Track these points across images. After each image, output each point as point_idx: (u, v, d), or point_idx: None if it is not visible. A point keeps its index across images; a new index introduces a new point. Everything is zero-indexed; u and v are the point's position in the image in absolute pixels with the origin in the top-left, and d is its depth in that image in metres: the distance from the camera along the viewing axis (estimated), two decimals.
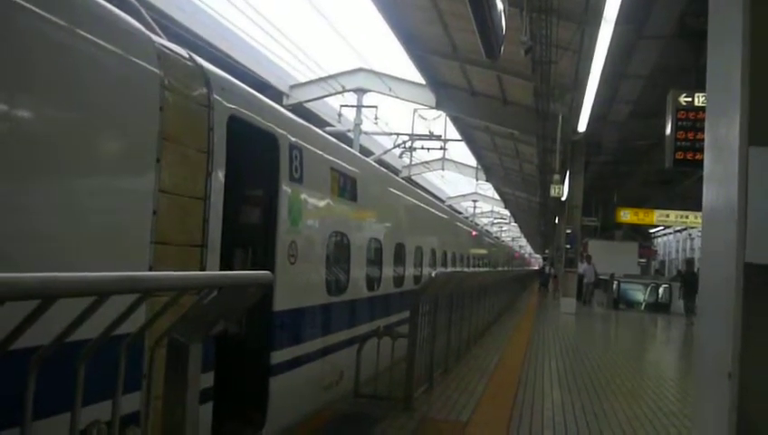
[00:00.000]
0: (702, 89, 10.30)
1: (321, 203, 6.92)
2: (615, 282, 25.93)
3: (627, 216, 30.37)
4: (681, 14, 12.43)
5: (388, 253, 9.79)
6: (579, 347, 13.24)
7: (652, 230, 49.98)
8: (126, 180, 3.74)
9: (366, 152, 21.86)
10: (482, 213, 64.69)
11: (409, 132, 28.25)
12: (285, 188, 5.82)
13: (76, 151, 3.35)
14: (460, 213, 41.83)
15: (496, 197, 52.21)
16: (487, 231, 51.62)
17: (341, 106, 25.07)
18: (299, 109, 21.27)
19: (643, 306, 24.93)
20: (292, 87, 23.05)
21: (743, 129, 2.08)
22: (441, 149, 31.86)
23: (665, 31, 13.25)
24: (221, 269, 4.58)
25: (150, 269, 3.73)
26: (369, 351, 7.04)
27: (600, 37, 11.66)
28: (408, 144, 28.34)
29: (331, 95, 23.95)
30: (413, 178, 34.75)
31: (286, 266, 5.82)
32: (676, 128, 11.18)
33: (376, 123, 25.84)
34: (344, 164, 7.68)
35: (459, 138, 30.10)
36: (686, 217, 29.61)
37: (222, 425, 4.88)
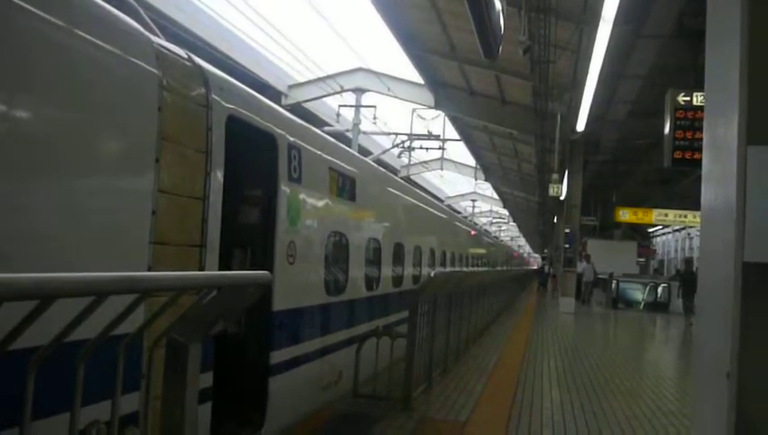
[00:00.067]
0: (700, 88, 10.34)
1: (320, 203, 6.92)
2: (614, 281, 25.94)
3: (625, 215, 30.39)
4: (679, 13, 12.45)
5: (387, 253, 9.79)
6: (578, 346, 13.24)
7: (651, 229, 50.01)
8: (125, 180, 3.74)
9: (365, 152, 21.87)
10: (480, 212, 64.69)
11: (408, 132, 28.26)
12: (284, 188, 5.81)
13: (75, 151, 3.35)
14: (459, 213, 41.84)
15: (495, 196, 52.21)
16: (486, 231, 51.63)
17: (340, 106, 25.08)
18: (297, 109, 21.27)
19: (642, 306, 24.95)
20: (291, 87, 23.03)
21: (741, 128, 2.08)
22: (440, 148, 31.87)
23: (663, 31, 13.26)
24: (220, 269, 4.58)
25: (149, 269, 3.73)
26: (368, 351, 7.04)
27: (598, 37, 11.66)
28: (407, 144, 28.34)
29: (329, 95, 23.94)
30: (412, 177, 34.76)
31: (285, 266, 5.82)
32: (674, 127, 11.18)
33: (374, 123, 25.86)
34: (343, 164, 7.67)
35: (458, 137, 30.10)
36: (685, 216, 29.63)
37: (221, 425, 4.88)
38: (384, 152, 26.10)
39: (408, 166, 34.36)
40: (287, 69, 22.63)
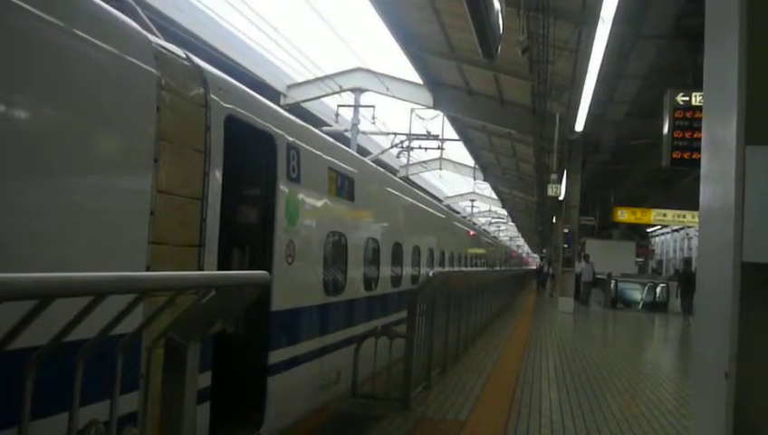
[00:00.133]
0: (699, 88, 10.36)
1: (319, 203, 6.91)
2: (612, 281, 25.96)
3: (624, 215, 30.42)
4: (678, 14, 12.46)
5: (386, 253, 9.79)
6: (576, 346, 13.25)
7: (650, 229, 50.07)
8: (123, 180, 3.74)
9: (363, 152, 21.86)
10: (479, 212, 64.71)
11: (407, 132, 28.25)
12: (283, 188, 5.81)
13: (73, 151, 3.34)
14: (458, 212, 41.83)
15: (494, 196, 52.23)
16: (485, 231, 51.62)
17: (339, 106, 25.06)
18: (296, 109, 21.26)
19: (640, 306, 24.98)
20: (290, 87, 23.03)
21: (739, 128, 2.08)
22: (438, 148, 31.86)
23: (662, 31, 13.27)
24: (218, 269, 4.57)
25: (148, 269, 3.72)
26: (367, 351, 7.04)
27: (597, 37, 11.67)
28: (406, 144, 28.33)
29: (328, 95, 23.93)
30: (411, 177, 34.75)
31: (284, 266, 5.82)
32: (673, 127, 11.20)
33: (373, 123, 25.85)
34: (342, 164, 7.67)
35: (457, 137, 30.11)
36: (684, 216, 29.66)
37: (220, 425, 4.88)
38: (383, 152, 26.09)
39: (407, 166, 34.34)
40: (286, 69, 22.65)
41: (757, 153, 2.05)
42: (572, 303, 21.94)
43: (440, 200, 39.99)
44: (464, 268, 18.48)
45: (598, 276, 26.82)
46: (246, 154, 5.42)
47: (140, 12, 4.57)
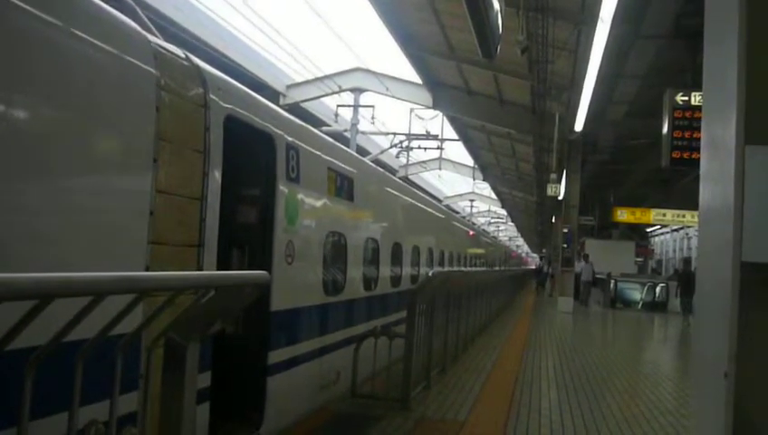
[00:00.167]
0: (698, 88, 10.35)
1: (318, 203, 6.91)
2: (612, 281, 25.97)
3: (624, 215, 30.42)
4: (677, 13, 12.47)
5: (385, 253, 9.79)
6: (576, 346, 13.26)
7: (649, 229, 50.07)
8: (122, 180, 3.73)
9: (363, 152, 21.85)
10: (479, 212, 64.74)
11: (406, 132, 28.26)
12: (282, 188, 5.81)
13: (72, 151, 3.34)
14: (457, 212, 41.84)
15: (493, 196, 52.24)
16: (484, 230, 51.64)
17: (338, 106, 25.07)
18: (296, 109, 21.26)
19: (640, 305, 24.99)
20: (289, 87, 23.03)
21: (739, 128, 2.08)
22: (438, 148, 31.87)
23: (661, 31, 13.28)
24: (218, 269, 4.57)
25: (147, 269, 3.72)
26: (367, 351, 7.04)
27: (596, 37, 11.68)
28: (405, 144, 28.34)
29: (327, 95, 23.94)
30: (410, 177, 34.76)
31: (283, 266, 5.81)
32: (672, 127, 11.20)
33: (373, 123, 25.86)
34: (341, 164, 7.67)
35: (456, 137, 30.11)
36: (683, 216, 29.66)
37: (219, 425, 4.88)
38: (382, 152, 26.09)
39: (407, 166, 34.34)
40: (285, 69, 22.66)
41: (756, 153, 2.05)
42: (572, 302, 21.95)
43: (440, 200, 40.00)
44: (463, 268, 18.48)
45: (597, 276, 26.84)
46: (246, 154, 5.42)
47: (140, 12, 4.57)
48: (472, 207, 58.62)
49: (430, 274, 7.88)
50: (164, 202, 3.92)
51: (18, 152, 3.00)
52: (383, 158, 27.55)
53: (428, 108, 24.45)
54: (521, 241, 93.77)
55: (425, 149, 30.45)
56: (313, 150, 6.74)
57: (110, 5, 3.78)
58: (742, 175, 2.05)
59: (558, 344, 13.21)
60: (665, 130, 11.39)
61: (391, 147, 27.64)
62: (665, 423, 6.66)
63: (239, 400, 5.39)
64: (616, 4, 10.05)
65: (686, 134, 11.05)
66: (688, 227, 39.98)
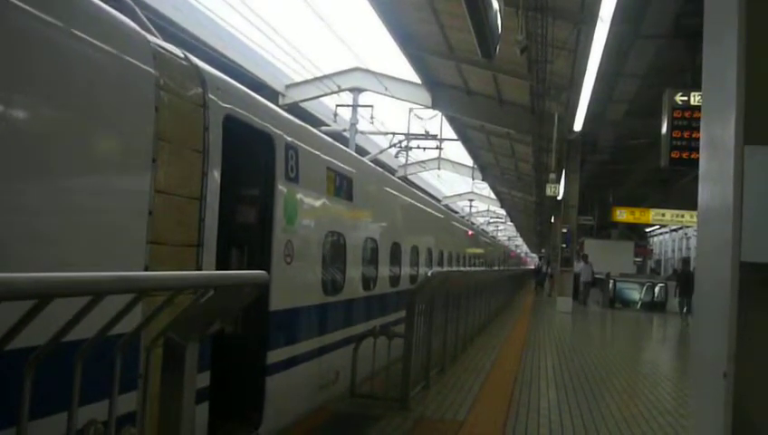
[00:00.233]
0: (698, 88, 10.36)
1: (317, 203, 6.91)
2: (611, 281, 25.98)
3: (623, 215, 30.44)
4: (677, 13, 12.47)
5: (384, 252, 9.79)
6: (575, 346, 13.26)
7: (648, 229, 50.09)
8: (121, 180, 3.73)
9: (362, 152, 21.85)
10: (478, 212, 64.75)
11: (405, 132, 28.26)
12: (281, 188, 5.81)
13: (71, 151, 3.34)
14: (456, 212, 41.85)
15: (492, 196, 52.24)
16: (483, 230, 51.64)
17: (337, 106, 25.07)
18: (295, 108, 21.26)
19: (639, 305, 24.99)
20: (288, 87, 23.03)
21: (738, 128, 2.08)
22: (437, 148, 31.87)
23: (661, 30, 13.28)
24: (217, 269, 4.57)
25: (146, 269, 3.72)
26: (366, 350, 7.04)
27: (595, 37, 11.68)
28: (404, 144, 28.34)
29: (326, 95, 23.94)
30: (409, 177, 34.76)
31: (282, 266, 5.81)
32: (671, 127, 11.21)
33: (372, 123, 25.85)
34: (340, 164, 7.67)
35: (455, 137, 30.11)
36: (682, 216, 29.67)
37: (219, 425, 4.88)
38: (381, 152, 26.08)
39: (406, 165, 34.35)
40: (284, 68, 22.66)
41: (755, 153, 2.05)
42: (571, 302, 21.96)
43: (439, 200, 40.00)
44: (462, 268, 18.49)
45: (596, 276, 26.85)
46: (245, 154, 5.42)
47: (139, 12, 4.56)
48: (471, 206, 58.64)
49: (429, 273, 7.88)
50: (163, 202, 3.92)
51: (17, 152, 2.99)
52: (382, 157, 27.55)
53: (427, 108, 24.46)
54: (520, 241, 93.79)
55: (424, 148, 30.45)
56: (312, 150, 6.74)
57: (110, 5, 3.78)
58: (741, 175, 2.06)
59: (557, 344, 13.22)
60: (664, 129, 11.39)
61: (390, 147, 27.64)
62: (664, 423, 6.66)
63: (238, 399, 5.39)
64: (615, 3, 10.05)
65: (686, 134, 11.06)
66: (687, 226, 40.02)
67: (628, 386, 8.88)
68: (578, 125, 18.25)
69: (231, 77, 5.32)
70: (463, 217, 45.01)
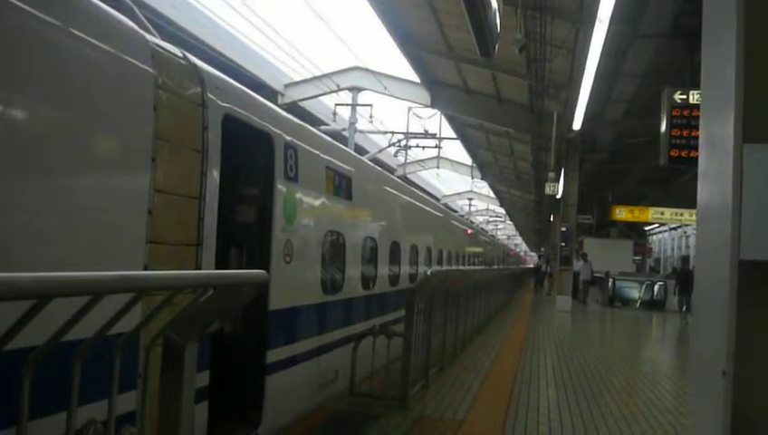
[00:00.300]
0: (697, 86, 10.37)
1: (317, 202, 6.91)
2: (610, 280, 25.99)
3: (622, 213, 30.46)
4: (676, 13, 12.47)
5: (384, 251, 9.79)
6: (574, 345, 13.27)
7: (647, 228, 50.10)
8: (121, 180, 3.73)
9: (361, 151, 21.85)
10: (477, 211, 64.76)
11: (404, 131, 28.26)
12: (280, 187, 5.81)
13: (70, 151, 3.34)
14: (455, 211, 41.85)
15: (491, 195, 52.25)
16: (482, 229, 51.65)
17: (336, 105, 25.07)
18: (294, 108, 21.26)
19: (638, 304, 25.01)
20: (287, 86, 23.02)
21: (737, 126, 2.08)
22: (436, 147, 31.87)
23: (660, 30, 13.28)
24: (216, 268, 4.57)
25: (145, 268, 3.72)
26: (365, 349, 7.04)
27: (594, 36, 11.67)
28: (403, 143, 28.34)
29: (325, 94, 23.93)
30: (408, 176, 34.76)
31: (281, 265, 5.81)
32: (670, 125, 11.22)
33: (371, 122, 25.85)
34: (339, 163, 7.67)
35: (454, 136, 30.11)
36: (681, 214, 29.69)
37: (218, 424, 4.88)
38: (380, 151, 26.07)
39: (405, 164, 34.35)
40: (283, 68, 22.65)
41: (754, 151, 2.05)
42: (570, 301, 21.96)
43: (438, 199, 40.01)
44: (461, 267, 18.49)
45: (596, 275, 26.86)
46: (244, 153, 5.42)
47: (137, 11, 4.56)
48: (470, 205, 58.66)
49: (429, 272, 7.88)
50: (162, 201, 3.91)
51: (16, 152, 2.99)
52: (381, 156, 27.55)
53: (426, 107, 24.45)
54: (519, 240, 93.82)
55: (423, 147, 30.47)
56: (312, 149, 6.74)
57: (108, 5, 3.77)
58: (740, 173, 2.06)
59: (556, 343, 13.22)
60: (663, 128, 11.40)
61: (389, 146, 27.64)
62: (663, 422, 6.66)
63: (238, 399, 5.39)
64: (614, 3, 10.05)
65: (685, 133, 11.07)
66: (686, 225, 40.02)
67: (628, 385, 8.89)
68: (577, 124, 18.25)
69: (230, 76, 5.32)
70: (462, 215, 45.01)
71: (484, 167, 38.99)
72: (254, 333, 5.53)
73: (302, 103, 23.26)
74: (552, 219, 34.90)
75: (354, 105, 24.81)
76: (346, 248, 7.88)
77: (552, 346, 12.52)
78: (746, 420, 2.05)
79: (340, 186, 7.60)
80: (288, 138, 5.99)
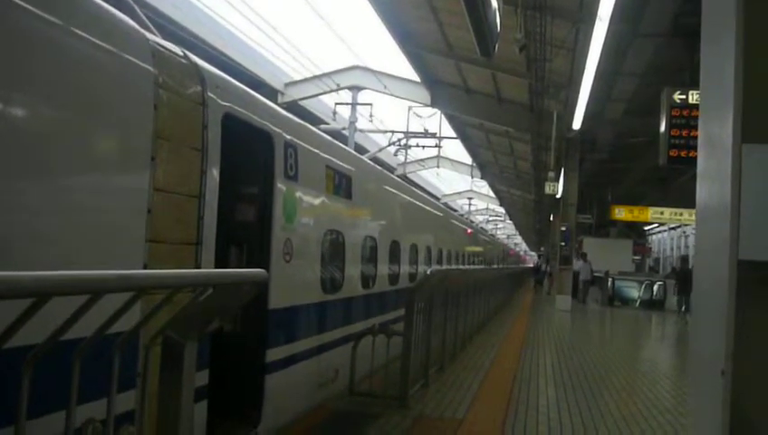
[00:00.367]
0: (696, 86, 10.36)
1: (316, 201, 6.91)
2: (610, 279, 26.00)
3: (621, 213, 30.47)
4: (676, 12, 12.48)
5: (383, 251, 9.79)
6: (574, 344, 13.27)
7: (647, 227, 50.12)
8: (120, 179, 3.73)
9: (361, 150, 21.85)
10: (477, 210, 64.76)
11: (404, 130, 28.26)
12: (280, 186, 5.81)
13: (70, 149, 3.34)
14: (455, 210, 41.86)
15: (491, 194, 52.25)
16: (482, 229, 51.65)
17: (336, 104, 25.07)
18: (294, 107, 21.25)
19: (638, 303, 25.02)
20: (287, 85, 23.02)
21: (736, 126, 2.09)
22: (436, 146, 31.86)
23: (660, 29, 13.29)
24: (216, 267, 4.57)
25: (145, 267, 3.72)
26: (365, 348, 7.04)
27: (594, 35, 11.67)
28: (403, 142, 28.34)
29: (325, 93, 23.93)
30: (408, 175, 34.77)
31: (281, 264, 5.82)
32: (670, 125, 11.22)
33: (371, 121, 25.86)
34: (339, 162, 7.67)
35: (454, 135, 30.11)
36: (681, 214, 29.71)
37: (217, 423, 4.88)
38: (380, 150, 26.08)
39: (405, 164, 34.35)
40: (283, 67, 22.65)
41: (753, 151, 2.05)
42: (570, 301, 21.97)
43: (438, 198, 40.01)
44: (461, 266, 18.49)
45: (595, 274, 26.87)
46: (244, 152, 5.42)
47: (138, 10, 4.56)
48: (470, 205, 58.66)
49: (428, 272, 7.88)
50: (162, 200, 3.92)
51: (15, 151, 2.99)
52: (381, 156, 27.55)
53: (426, 106, 24.46)
54: (519, 239, 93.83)
55: (423, 147, 30.46)
56: (311, 148, 6.74)
57: (109, 3, 3.77)
58: (738, 173, 2.06)
59: (556, 342, 13.22)
60: (662, 128, 11.40)
61: (389, 145, 27.64)
62: (662, 421, 6.67)
63: (237, 398, 5.39)
64: (614, 2, 10.05)
65: (684, 132, 11.07)
66: (686, 225, 40.05)
67: (627, 384, 8.89)
68: (577, 123, 18.26)
69: (230, 75, 5.32)
70: (462, 215, 45.01)
71: (483, 166, 38.99)
72: (254, 332, 5.53)
73: (302, 102, 23.26)
74: (551, 219, 34.89)
75: (354, 104, 24.81)
76: (346, 247, 7.88)
77: (552, 345, 12.52)
78: (745, 419, 2.06)
79: (340, 185, 7.60)
80: (288, 137, 5.99)
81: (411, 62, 20.09)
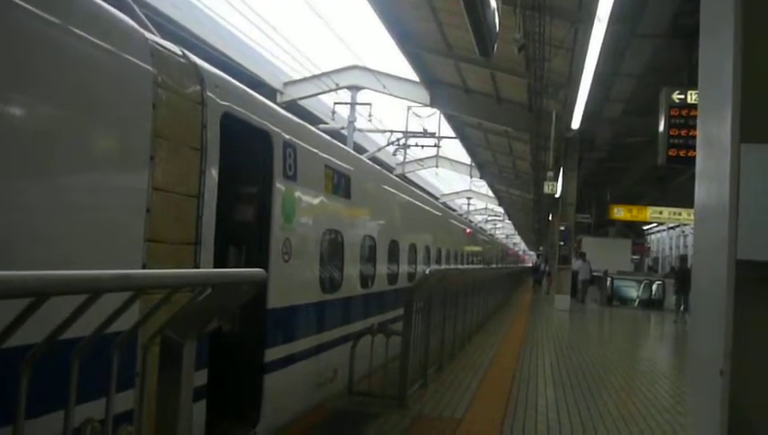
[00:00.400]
0: (695, 86, 10.35)
1: (315, 201, 6.91)
2: (609, 279, 26.01)
3: (620, 213, 30.49)
4: (674, 13, 12.48)
5: (382, 250, 9.79)
6: (573, 344, 13.27)
7: (646, 227, 50.14)
8: (119, 178, 3.73)
9: (360, 149, 21.85)
10: (476, 210, 64.77)
11: (403, 130, 28.26)
12: (279, 186, 5.81)
13: (69, 149, 3.34)
14: (454, 210, 41.87)
15: (490, 194, 52.26)
16: (481, 228, 51.65)
17: (335, 103, 25.07)
18: (293, 106, 21.25)
19: (636, 303, 25.02)
20: (286, 84, 23.01)
21: (734, 126, 2.09)
22: (435, 146, 31.86)
23: (658, 30, 13.30)
24: (215, 267, 4.57)
25: (144, 267, 3.72)
26: (364, 348, 7.05)
27: (593, 35, 11.68)
28: (402, 141, 28.34)
29: (324, 93, 23.93)
30: (407, 175, 34.77)
31: (280, 264, 5.82)
32: (668, 125, 11.23)
33: (370, 121, 25.86)
34: (338, 161, 7.67)
35: (453, 135, 30.11)
36: (679, 213, 29.74)
37: (216, 423, 4.88)
38: (379, 150, 26.08)
39: (404, 163, 34.34)
40: (282, 66, 22.66)
41: (752, 151, 2.05)
42: (569, 300, 21.97)
43: (437, 198, 40.02)
44: (460, 266, 18.49)
45: (594, 274, 26.87)
46: (243, 152, 5.42)
47: (137, 9, 4.56)
48: (469, 204, 58.66)
49: (427, 271, 7.88)
50: (161, 200, 3.92)
51: (15, 150, 2.99)
52: (380, 155, 27.55)
53: (426, 106, 24.45)
54: (518, 239, 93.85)
55: (422, 146, 30.47)
56: (310, 148, 6.74)
57: (108, 3, 3.77)
58: (737, 173, 2.06)
59: (555, 342, 13.23)
60: (661, 128, 11.40)
61: (388, 144, 27.64)
62: (661, 421, 6.67)
63: (236, 397, 5.39)
64: (612, 2, 10.05)
65: (683, 132, 11.08)
66: (684, 224, 40.08)
67: (626, 384, 8.89)
68: (575, 123, 18.26)
69: (229, 75, 5.32)
70: (461, 214, 45.01)
71: (482, 166, 38.99)
72: (253, 331, 5.53)
73: (301, 102, 23.26)
74: (550, 218, 34.91)
75: (353, 104, 24.81)
76: (344, 247, 7.88)
77: (551, 345, 12.52)
78: (744, 419, 2.06)
79: (339, 184, 7.60)
80: (287, 136, 5.99)
81: (410, 62, 20.09)
